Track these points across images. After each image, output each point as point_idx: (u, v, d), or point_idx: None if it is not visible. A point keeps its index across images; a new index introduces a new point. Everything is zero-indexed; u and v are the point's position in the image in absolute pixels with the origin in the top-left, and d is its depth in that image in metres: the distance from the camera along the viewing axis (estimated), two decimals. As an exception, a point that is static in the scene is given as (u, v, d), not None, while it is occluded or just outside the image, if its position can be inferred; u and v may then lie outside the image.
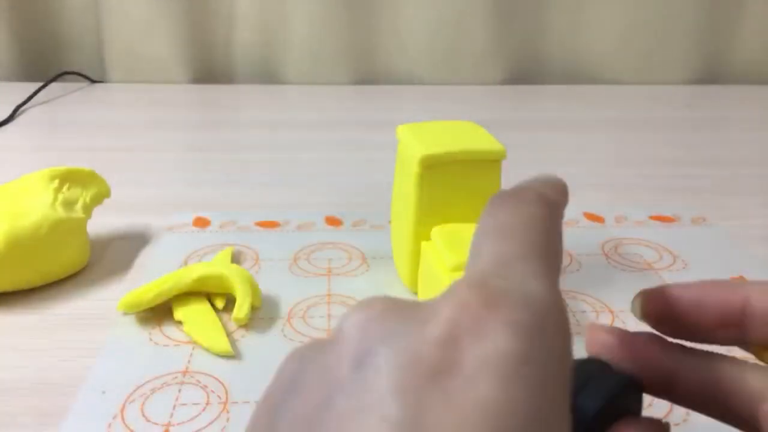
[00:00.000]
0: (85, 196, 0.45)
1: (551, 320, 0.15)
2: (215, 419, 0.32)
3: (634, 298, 0.22)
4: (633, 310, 0.22)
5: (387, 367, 0.14)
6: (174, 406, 0.32)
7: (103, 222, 0.49)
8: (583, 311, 0.40)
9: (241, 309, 0.38)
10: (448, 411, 0.13)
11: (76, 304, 0.41)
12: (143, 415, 0.32)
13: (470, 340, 0.14)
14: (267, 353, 0.36)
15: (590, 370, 0.19)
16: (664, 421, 0.19)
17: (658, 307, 0.21)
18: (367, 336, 0.15)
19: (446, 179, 0.38)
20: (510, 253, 0.17)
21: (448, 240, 0.37)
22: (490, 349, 0.14)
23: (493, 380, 0.13)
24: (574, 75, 0.97)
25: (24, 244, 0.40)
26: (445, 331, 0.14)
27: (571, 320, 0.39)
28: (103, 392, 0.33)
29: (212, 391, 0.33)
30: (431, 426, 0.13)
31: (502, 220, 0.18)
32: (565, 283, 0.43)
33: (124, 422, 0.31)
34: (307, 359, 0.16)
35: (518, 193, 0.19)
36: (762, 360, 0.21)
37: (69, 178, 0.45)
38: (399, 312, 0.16)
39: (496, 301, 0.15)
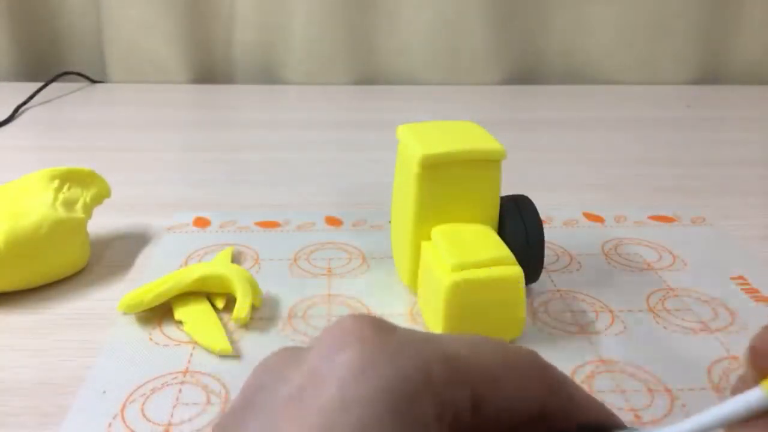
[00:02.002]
0: (85, 196, 0.45)
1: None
2: (215, 419, 0.32)
3: None
4: None
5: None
6: (174, 406, 0.32)
7: (103, 222, 0.49)
8: (583, 311, 0.40)
9: (241, 309, 0.38)
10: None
11: (76, 304, 0.41)
12: (143, 415, 0.32)
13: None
14: (267, 353, 0.36)
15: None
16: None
17: None
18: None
19: (446, 179, 0.38)
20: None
21: (448, 240, 0.37)
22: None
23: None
24: (574, 75, 0.97)
25: (24, 244, 0.40)
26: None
27: (571, 320, 0.39)
28: (103, 392, 0.33)
29: (212, 391, 0.33)
30: None
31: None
32: (565, 283, 0.43)
33: (124, 422, 0.31)
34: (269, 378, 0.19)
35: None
36: None
37: (69, 178, 0.45)
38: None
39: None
